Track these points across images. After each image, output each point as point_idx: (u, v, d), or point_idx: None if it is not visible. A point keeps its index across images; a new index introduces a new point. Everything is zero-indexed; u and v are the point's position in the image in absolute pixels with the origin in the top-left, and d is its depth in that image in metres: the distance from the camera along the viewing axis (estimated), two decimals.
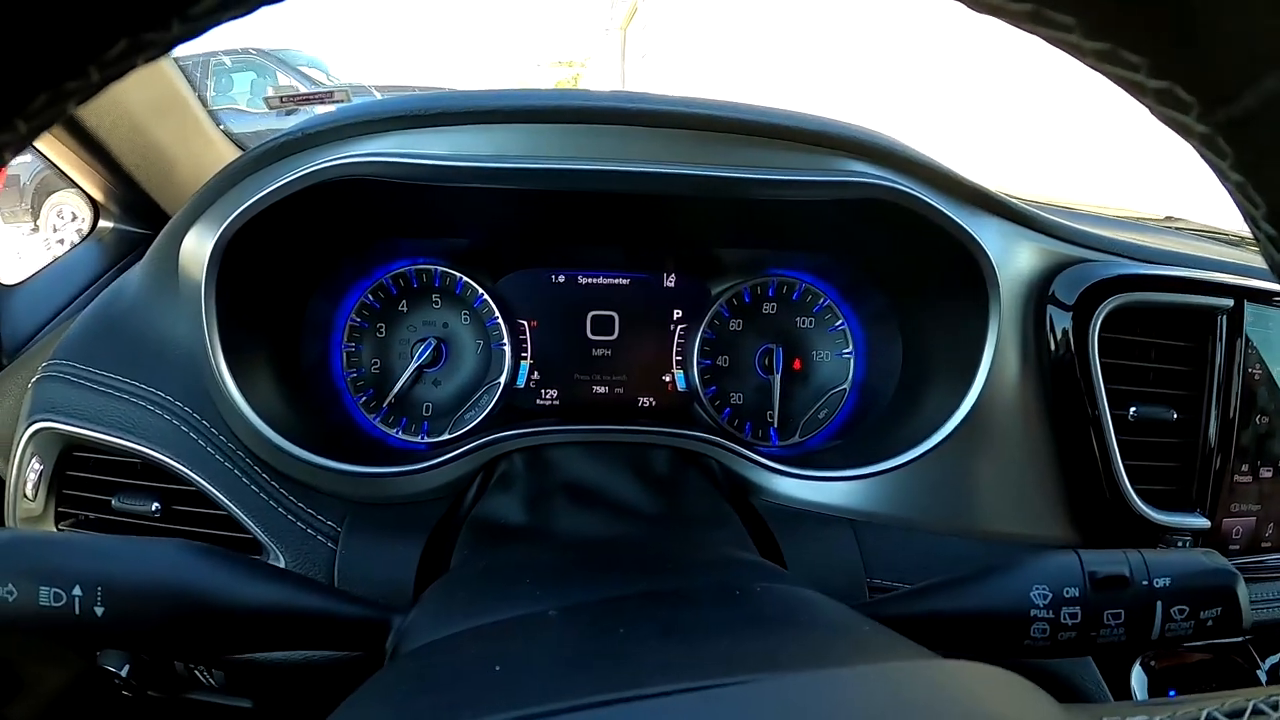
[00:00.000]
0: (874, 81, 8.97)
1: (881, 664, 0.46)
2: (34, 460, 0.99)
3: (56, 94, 0.22)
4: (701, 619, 0.55)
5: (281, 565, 0.92)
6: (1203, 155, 0.28)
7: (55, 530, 1.00)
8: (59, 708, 1.20)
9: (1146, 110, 0.28)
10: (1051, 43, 0.27)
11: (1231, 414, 1.06)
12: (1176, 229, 1.51)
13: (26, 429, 0.99)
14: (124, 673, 0.90)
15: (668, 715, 0.38)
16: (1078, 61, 0.27)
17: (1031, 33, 0.26)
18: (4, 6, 0.19)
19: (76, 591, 0.61)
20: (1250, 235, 0.30)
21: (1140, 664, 1.05)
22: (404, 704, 0.44)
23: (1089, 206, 1.56)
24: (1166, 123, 0.28)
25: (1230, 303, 1.06)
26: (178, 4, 0.21)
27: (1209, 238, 1.45)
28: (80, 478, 1.00)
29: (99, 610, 0.62)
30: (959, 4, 0.27)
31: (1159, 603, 0.68)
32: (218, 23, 0.23)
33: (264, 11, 0.25)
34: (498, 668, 0.46)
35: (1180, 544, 1.04)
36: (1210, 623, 0.69)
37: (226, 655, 0.70)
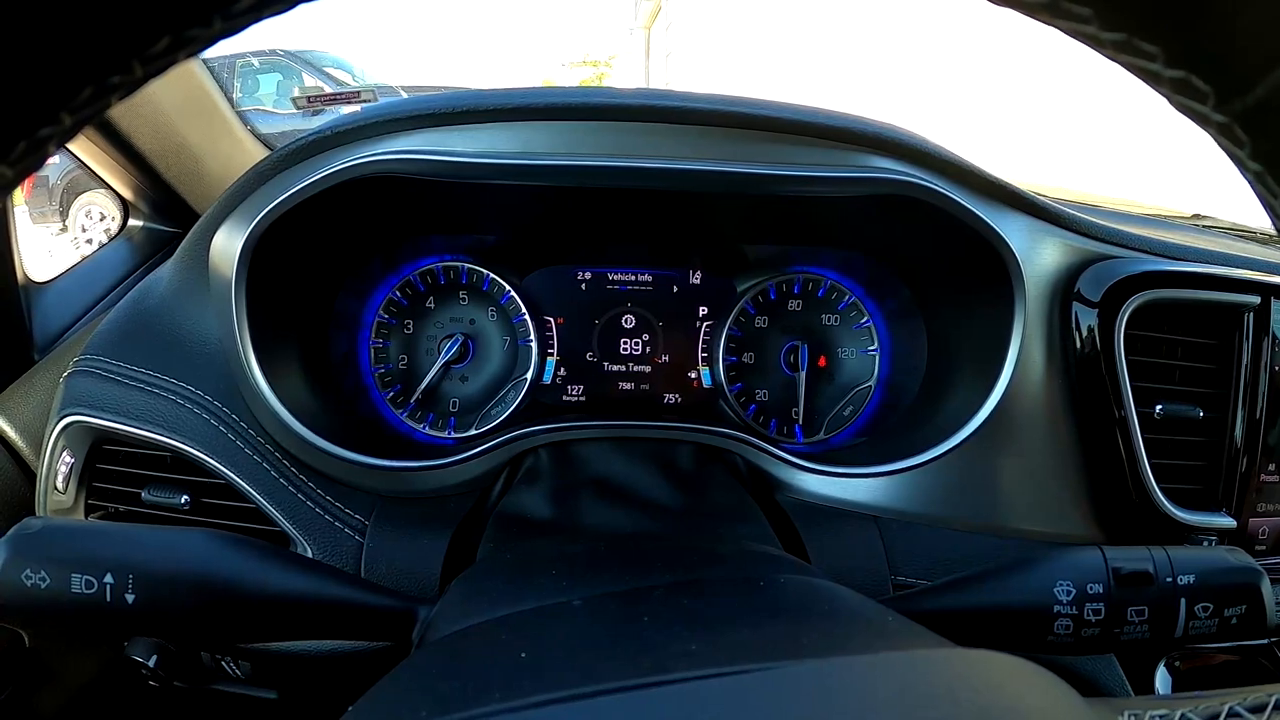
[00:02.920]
0: (898, 78, 8.94)
1: (903, 652, 0.46)
2: (65, 453, 1.00)
3: (101, 88, 0.23)
4: (725, 608, 0.55)
5: (309, 557, 0.93)
6: (1221, 145, 0.28)
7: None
8: (87, 697, 1.22)
9: (1165, 100, 0.28)
10: (1070, 34, 0.27)
11: (1258, 413, 1.06)
12: (1205, 227, 1.50)
13: (58, 423, 1.00)
14: (151, 663, 0.91)
15: (693, 701, 0.38)
16: (1096, 52, 0.27)
17: (1050, 25, 0.27)
18: (56, 2, 0.19)
19: (108, 579, 0.62)
20: (1277, 232, 0.30)
21: (1165, 665, 1.04)
22: (432, 687, 0.45)
23: (1117, 204, 1.55)
24: (1184, 112, 0.28)
25: (1257, 300, 1.05)
26: (219, 1, 0.22)
27: (1237, 235, 1.44)
28: (110, 471, 1.01)
29: (130, 598, 0.63)
30: None
31: (1183, 600, 0.68)
32: (257, 20, 0.24)
33: (301, 10, 0.25)
34: (523, 654, 0.47)
35: (1206, 543, 1.04)
36: (1234, 621, 0.69)
37: (254, 643, 0.71)
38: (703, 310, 1.27)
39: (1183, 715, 0.40)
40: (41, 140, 0.23)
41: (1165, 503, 1.01)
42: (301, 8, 0.25)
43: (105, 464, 1.01)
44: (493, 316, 1.25)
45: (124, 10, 0.20)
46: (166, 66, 0.23)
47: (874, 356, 1.27)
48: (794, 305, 1.28)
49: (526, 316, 1.23)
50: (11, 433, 1.12)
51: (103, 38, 0.21)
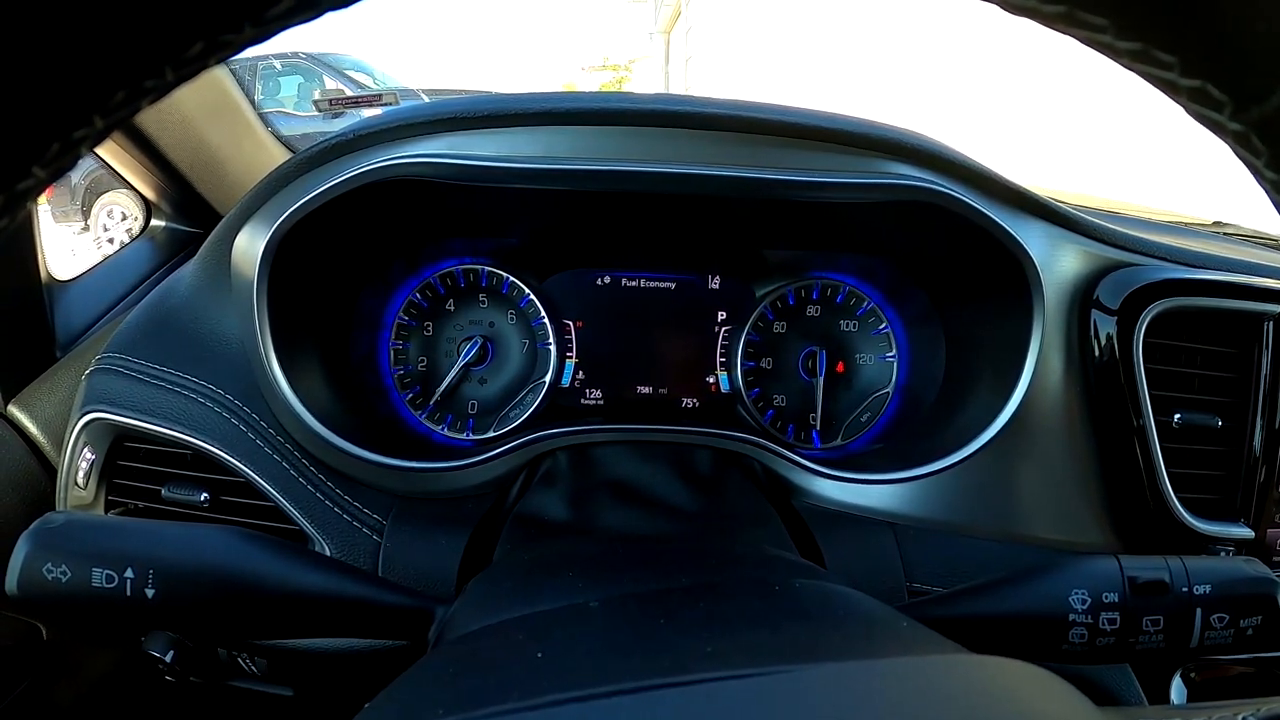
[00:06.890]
0: (917, 83, 8.92)
1: (919, 657, 0.46)
2: (86, 450, 1.01)
3: (134, 92, 0.23)
4: (741, 610, 0.55)
5: (328, 555, 0.94)
6: (1238, 154, 0.28)
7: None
8: (103, 691, 1.23)
9: (1182, 109, 0.28)
10: (1085, 43, 0.27)
11: (1278, 423, 1.05)
12: (1225, 234, 1.49)
13: (79, 419, 1.01)
14: (168, 658, 0.92)
15: (712, 702, 0.38)
16: (1112, 61, 0.27)
17: (1065, 34, 0.27)
18: (94, 7, 0.20)
19: (129, 574, 0.63)
20: None
21: (1180, 676, 1.04)
22: (451, 685, 0.45)
23: (1136, 210, 1.54)
24: (1201, 121, 0.28)
25: (1277, 308, 1.05)
26: (251, 9, 0.22)
27: (1258, 243, 1.43)
28: (130, 468, 1.02)
29: (150, 592, 0.63)
30: (994, 6, 0.27)
31: (1198, 610, 0.68)
32: (287, 26, 0.24)
33: (330, 16, 0.26)
34: (540, 654, 0.47)
35: (1223, 554, 1.03)
36: (1250, 632, 0.68)
37: (273, 639, 0.72)
38: (721, 315, 1.27)
39: None
40: (74, 142, 0.24)
41: (1183, 512, 1.01)
42: (330, 15, 0.25)
43: (126, 461, 1.02)
44: (512, 319, 1.26)
45: (159, 16, 0.21)
46: (198, 71, 0.24)
47: (892, 362, 1.26)
48: (812, 311, 1.28)
49: (546, 319, 1.23)
50: (33, 429, 1.13)
51: (138, 43, 0.21)
